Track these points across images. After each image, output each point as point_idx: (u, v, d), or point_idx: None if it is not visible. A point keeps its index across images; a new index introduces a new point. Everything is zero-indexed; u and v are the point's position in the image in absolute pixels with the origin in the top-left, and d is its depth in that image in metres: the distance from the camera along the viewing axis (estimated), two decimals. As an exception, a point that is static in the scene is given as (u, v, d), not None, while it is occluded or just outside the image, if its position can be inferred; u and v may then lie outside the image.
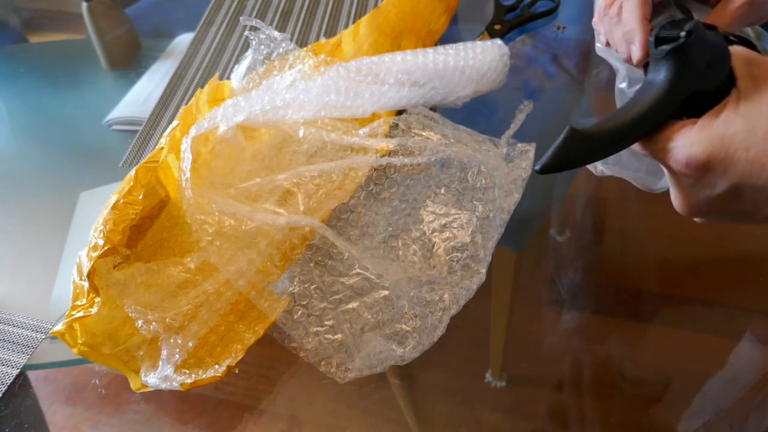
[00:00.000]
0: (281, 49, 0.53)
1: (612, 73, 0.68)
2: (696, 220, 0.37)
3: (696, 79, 0.34)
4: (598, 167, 0.51)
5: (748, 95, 0.32)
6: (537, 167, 0.35)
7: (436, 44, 0.61)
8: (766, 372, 0.43)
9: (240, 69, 0.53)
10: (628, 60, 0.41)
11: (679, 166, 0.34)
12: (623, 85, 0.49)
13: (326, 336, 0.44)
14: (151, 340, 0.42)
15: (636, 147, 0.37)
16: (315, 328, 0.44)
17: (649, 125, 0.35)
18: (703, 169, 0.33)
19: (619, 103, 0.50)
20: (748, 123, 0.31)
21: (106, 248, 0.40)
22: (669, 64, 0.35)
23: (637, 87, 0.38)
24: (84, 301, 0.41)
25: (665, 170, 0.36)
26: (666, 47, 0.35)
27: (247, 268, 0.42)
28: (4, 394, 0.45)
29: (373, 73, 0.51)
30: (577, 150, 0.35)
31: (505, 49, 0.54)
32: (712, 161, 0.32)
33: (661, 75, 0.35)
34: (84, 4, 0.76)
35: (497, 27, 0.65)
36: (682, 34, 0.34)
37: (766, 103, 0.32)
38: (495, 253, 0.48)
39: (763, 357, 0.44)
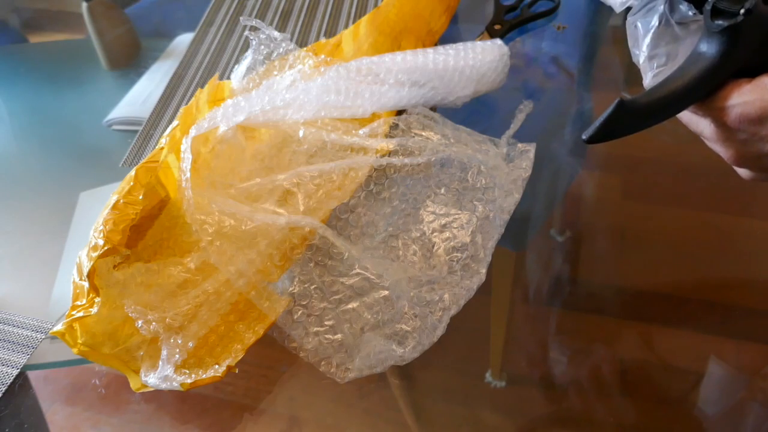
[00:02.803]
0: (281, 49, 0.53)
1: (613, 73, 0.68)
2: (743, 174, 0.40)
3: (748, 56, 0.35)
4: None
5: None
6: (584, 137, 0.35)
7: (436, 44, 0.61)
8: (766, 372, 0.43)
9: (240, 69, 0.53)
10: None
11: (734, 122, 0.37)
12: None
13: (326, 336, 0.44)
14: (151, 340, 0.42)
15: (689, 109, 0.38)
16: (315, 328, 0.44)
17: (697, 96, 0.36)
18: (756, 124, 0.36)
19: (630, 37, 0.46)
20: None
21: (106, 248, 0.40)
22: (723, 40, 0.35)
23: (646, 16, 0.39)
24: (84, 301, 0.41)
25: (716, 127, 0.38)
26: (722, 23, 0.34)
27: (247, 268, 0.42)
28: (4, 394, 0.45)
29: (373, 73, 0.51)
30: (624, 120, 0.35)
31: (505, 49, 0.54)
32: (764, 117, 0.35)
33: (713, 49, 0.35)
34: (84, 4, 0.76)
35: (497, 27, 0.65)
36: (741, 11, 0.33)
37: None
38: (495, 253, 0.48)
39: (763, 357, 0.44)
